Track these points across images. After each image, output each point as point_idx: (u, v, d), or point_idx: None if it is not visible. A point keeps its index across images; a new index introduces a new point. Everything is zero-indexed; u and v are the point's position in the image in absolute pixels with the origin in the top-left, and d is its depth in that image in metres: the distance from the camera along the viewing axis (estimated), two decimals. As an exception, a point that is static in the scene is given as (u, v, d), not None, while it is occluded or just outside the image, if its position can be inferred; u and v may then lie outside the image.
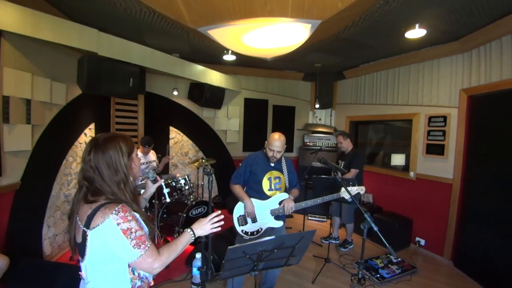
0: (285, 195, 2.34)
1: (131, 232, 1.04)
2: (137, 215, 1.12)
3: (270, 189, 2.35)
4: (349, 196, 2.31)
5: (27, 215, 2.73)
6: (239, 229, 2.32)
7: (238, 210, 2.34)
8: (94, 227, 1.02)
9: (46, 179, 3.03)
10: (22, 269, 2.15)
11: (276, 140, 2.26)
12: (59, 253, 3.28)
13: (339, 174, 3.48)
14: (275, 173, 2.38)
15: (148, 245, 1.07)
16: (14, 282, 2.06)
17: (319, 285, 2.98)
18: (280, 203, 2.32)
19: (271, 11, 2.31)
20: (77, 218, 1.08)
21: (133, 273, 1.13)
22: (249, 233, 2.32)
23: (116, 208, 1.04)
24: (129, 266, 1.11)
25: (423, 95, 3.92)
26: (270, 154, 2.30)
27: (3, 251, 2.15)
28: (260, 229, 2.33)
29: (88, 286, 1.10)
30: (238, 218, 2.33)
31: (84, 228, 1.04)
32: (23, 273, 2.14)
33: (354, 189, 2.36)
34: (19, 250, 2.50)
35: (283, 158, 2.41)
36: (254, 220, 2.31)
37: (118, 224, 1.02)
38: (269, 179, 2.35)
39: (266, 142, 2.38)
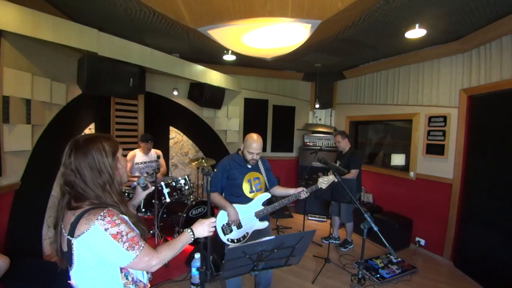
0: (267, 195, 2.30)
1: (122, 236, 0.99)
2: (126, 217, 1.07)
3: (252, 191, 2.29)
4: (326, 186, 2.28)
5: (27, 215, 2.72)
6: (224, 238, 2.23)
7: (221, 219, 2.23)
8: (79, 235, 0.97)
9: (46, 179, 3.03)
10: (22, 269, 2.15)
11: (255, 142, 2.18)
12: (59, 253, 3.27)
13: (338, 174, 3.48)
14: (254, 174, 2.31)
15: (142, 245, 1.03)
16: (14, 282, 2.06)
17: (319, 285, 2.98)
18: (263, 204, 2.28)
19: (271, 11, 2.31)
20: (62, 226, 1.03)
21: (126, 278, 1.09)
22: (235, 241, 2.24)
23: (102, 213, 0.98)
24: (121, 271, 1.08)
25: (423, 95, 3.92)
26: (249, 157, 2.21)
27: (3, 251, 2.15)
28: (246, 234, 2.27)
29: None
30: (222, 228, 2.23)
31: (69, 237, 0.99)
32: (23, 273, 2.14)
33: (330, 178, 2.31)
34: (19, 250, 2.49)
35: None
36: (239, 226, 2.23)
37: (106, 229, 0.97)
38: (249, 181, 2.28)
39: (242, 144, 2.28)
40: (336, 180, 2.30)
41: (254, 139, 2.19)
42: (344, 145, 3.84)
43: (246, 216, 2.25)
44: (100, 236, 0.97)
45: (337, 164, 3.72)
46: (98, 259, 1.02)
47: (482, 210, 3.11)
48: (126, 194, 3.28)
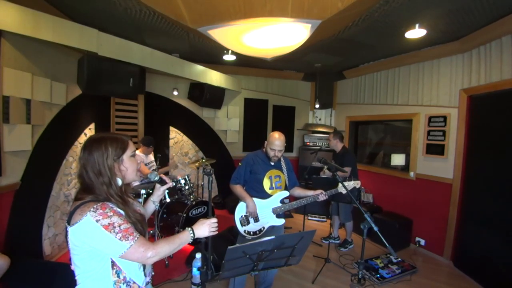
0: (285, 193, 2.37)
1: (114, 227, 1.02)
2: (122, 211, 1.10)
3: (271, 188, 2.37)
4: (346, 191, 2.29)
5: (27, 215, 2.72)
6: (241, 229, 2.32)
7: (240, 210, 2.33)
8: (73, 224, 1.02)
9: (46, 179, 3.03)
10: (22, 269, 2.15)
11: (277, 140, 2.27)
12: (59, 253, 3.28)
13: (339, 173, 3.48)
14: (275, 172, 2.39)
15: (137, 236, 1.05)
16: (14, 282, 2.06)
17: (319, 285, 2.98)
18: (281, 201, 2.34)
19: (271, 11, 2.31)
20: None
21: (117, 276, 1.10)
22: (251, 233, 2.32)
23: (95, 206, 1.03)
24: (112, 268, 1.09)
25: (423, 95, 3.92)
26: (271, 154, 2.31)
27: (3, 251, 2.15)
28: (262, 228, 2.34)
29: (77, 278, 1.10)
30: (240, 219, 2.32)
31: (66, 224, 1.05)
32: (23, 273, 2.14)
33: (350, 184, 2.35)
34: (19, 250, 2.49)
35: (282, 157, 2.43)
36: (256, 219, 2.31)
37: (97, 220, 1.00)
38: (270, 178, 2.37)
39: (265, 141, 2.39)
40: (357, 187, 2.35)
41: (276, 137, 2.29)
42: (335, 144, 3.87)
43: (264, 211, 2.32)
44: (91, 227, 1.01)
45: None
46: (90, 251, 1.04)
47: (482, 210, 3.11)
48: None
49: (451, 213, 3.51)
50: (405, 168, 4.30)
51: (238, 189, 2.35)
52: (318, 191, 2.28)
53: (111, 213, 1.04)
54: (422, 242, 3.88)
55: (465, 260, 3.31)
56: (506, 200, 2.80)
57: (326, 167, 3.62)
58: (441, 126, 3.65)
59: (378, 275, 3.07)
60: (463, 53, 3.39)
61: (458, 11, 2.62)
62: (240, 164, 2.42)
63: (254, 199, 2.30)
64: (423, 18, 2.81)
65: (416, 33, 3.02)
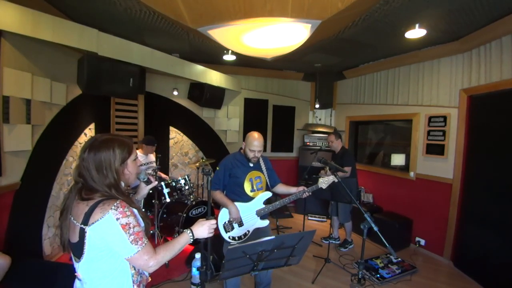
0: (268, 194, 2.32)
1: (129, 228, 1.04)
2: (135, 210, 1.13)
3: (253, 190, 2.31)
4: (326, 186, 2.26)
5: (27, 215, 2.72)
6: (225, 236, 2.25)
7: (223, 217, 2.26)
8: (93, 223, 1.02)
9: (46, 179, 3.03)
10: (22, 269, 2.15)
11: (256, 140, 2.21)
12: (59, 253, 3.28)
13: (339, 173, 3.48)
14: (255, 173, 2.34)
15: (145, 242, 1.08)
16: (14, 282, 2.06)
17: (319, 285, 2.98)
18: (264, 202, 2.30)
19: (271, 11, 2.31)
20: (71, 218, 1.07)
21: (134, 269, 1.14)
22: (236, 238, 2.26)
23: (115, 204, 1.04)
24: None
25: (423, 95, 3.92)
26: (251, 155, 2.24)
27: (3, 251, 2.15)
28: (247, 232, 2.29)
29: (88, 280, 1.09)
30: (224, 225, 2.26)
31: (82, 226, 1.03)
32: (23, 273, 2.14)
33: (330, 178, 2.28)
34: (19, 250, 2.49)
35: (260, 157, 2.36)
36: (240, 224, 2.25)
37: (117, 219, 1.03)
38: (250, 180, 2.30)
39: (243, 143, 2.31)
40: (336, 180, 2.27)
41: (255, 137, 2.22)
42: (337, 145, 3.88)
43: (248, 214, 2.26)
44: (111, 224, 1.02)
45: None
46: (107, 248, 1.06)
47: (482, 210, 3.11)
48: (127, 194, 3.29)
49: (451, 213, 3.51)
50: (405, 168, 4.30)
51: (218, 195, 2.26)
52: (301, 188, 2.24)
53: (129, 213, 1.06)
54: (422, 242, 3.88)
55: (465, 260, 3.31)
56: (506, 200, 2.80)
57: (327, 168, 3.63)
58: (441, 126, 3.65)
59: (378, 275, 3.07)
60: (463, 53, 3.39)
61: (458, 11, 2.62)
62: (218, 168, 2.32)
63: (236, 203, 2.23)
64: (423, 18, 2.81)
65: (416, 33, 3.02)
